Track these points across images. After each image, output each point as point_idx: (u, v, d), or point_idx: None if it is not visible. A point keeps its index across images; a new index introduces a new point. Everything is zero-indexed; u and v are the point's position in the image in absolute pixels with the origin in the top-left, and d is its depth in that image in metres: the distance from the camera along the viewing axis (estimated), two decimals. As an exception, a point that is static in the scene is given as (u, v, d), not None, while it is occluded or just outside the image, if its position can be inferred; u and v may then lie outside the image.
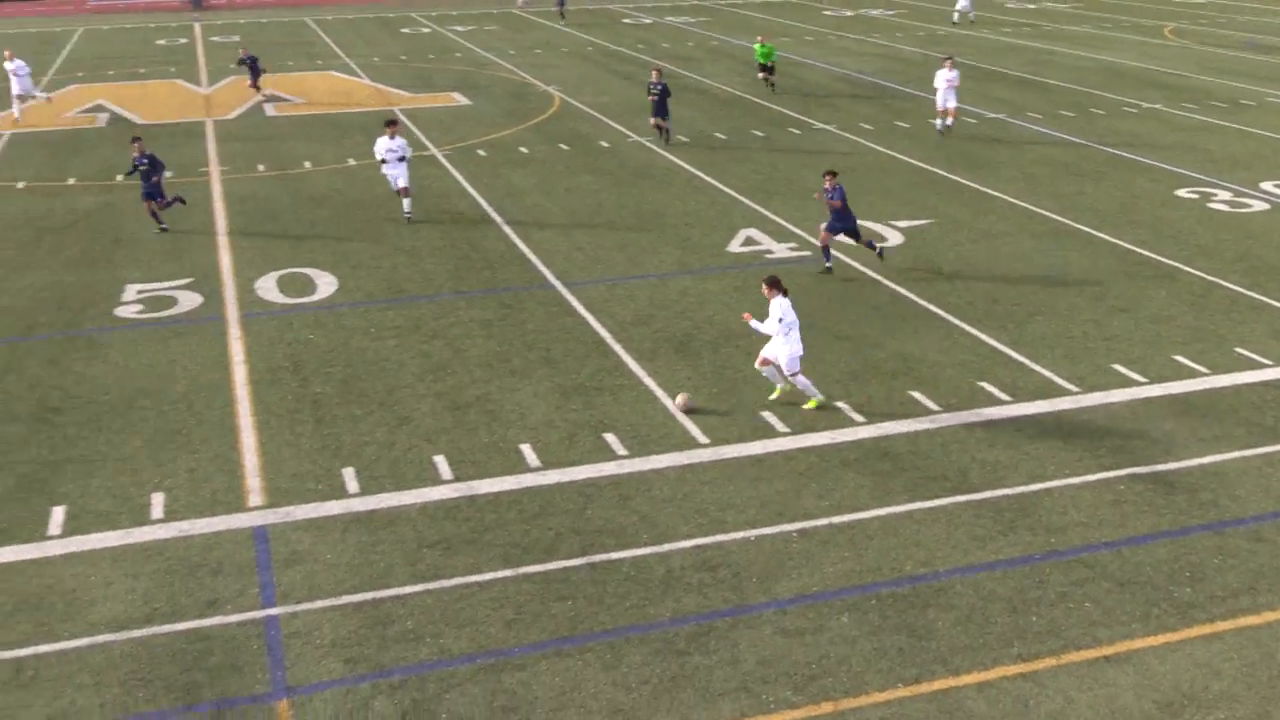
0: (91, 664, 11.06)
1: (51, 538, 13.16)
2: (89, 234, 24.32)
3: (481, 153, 30.97)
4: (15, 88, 35.92)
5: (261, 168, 29.61)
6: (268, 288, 20.87)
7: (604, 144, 31.72)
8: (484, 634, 11.36)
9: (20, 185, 28.40)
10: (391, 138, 24.27)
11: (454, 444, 15.08)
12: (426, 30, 58.17)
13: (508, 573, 12.34)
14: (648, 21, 60.11)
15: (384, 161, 24.48)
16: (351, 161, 30.29)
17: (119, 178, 26.66)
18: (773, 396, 16.18)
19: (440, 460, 14.68)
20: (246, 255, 22.29)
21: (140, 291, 20.79)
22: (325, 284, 21.01)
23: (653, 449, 14.86)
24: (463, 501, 13.74)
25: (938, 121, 32.05)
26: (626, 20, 60.70)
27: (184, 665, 11.04)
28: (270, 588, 12.17)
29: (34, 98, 37.03)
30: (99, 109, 38.24)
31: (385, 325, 19.07)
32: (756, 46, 39.14)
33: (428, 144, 32.03)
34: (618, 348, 17.97)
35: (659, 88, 30.69)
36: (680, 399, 15.97)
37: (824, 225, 21.04)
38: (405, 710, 10.39)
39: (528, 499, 13.75)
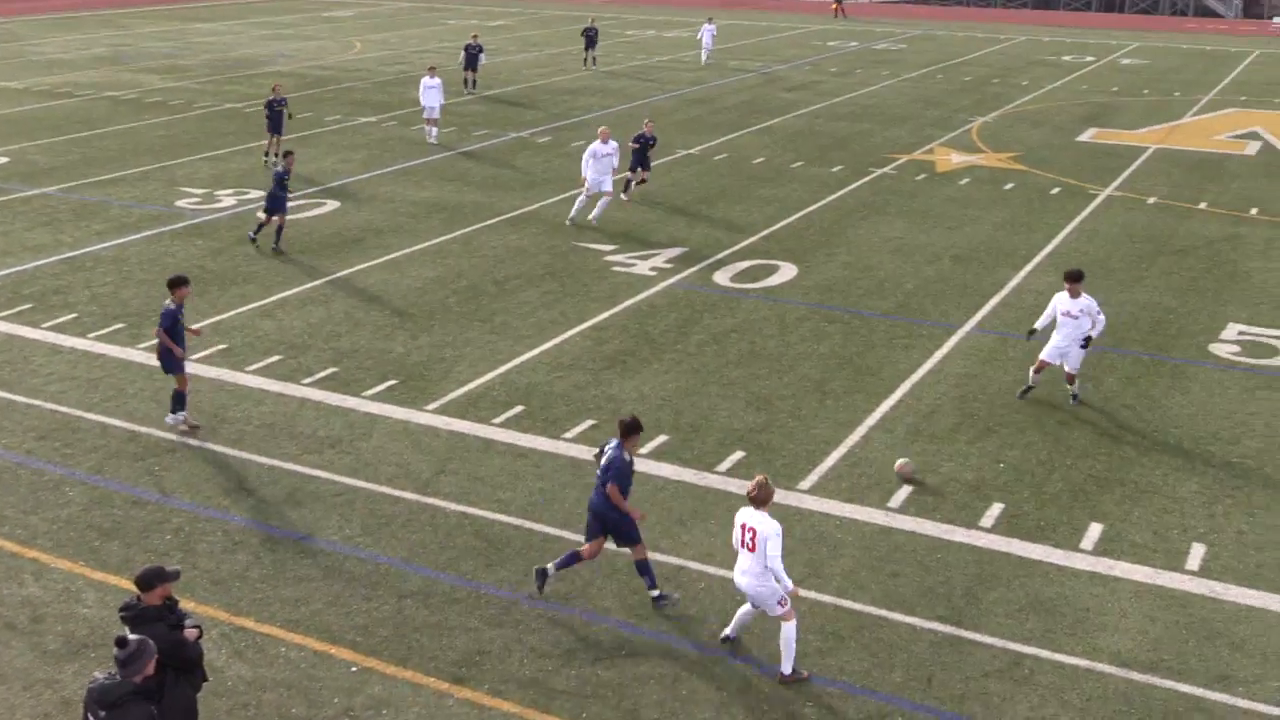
0: (1083, 687, 11.03)
1: (1082, 551, 13.34)
2: (1206, 263, 23.86)
3: None
4: None
5: None
6: (1380, 360, 18.71)
7: None
8: None
9: (1151, 201, 28.82)
10: None
11: None
12: None
13: None
14: None
15: None
16: None
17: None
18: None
19: None
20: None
21: (1241, 333, 19.93)
22: None
23: None
24: None
25: None
26: None
27: (1171, 729, 10.52)
28: (1292, 686, 11.03)
29: None
30: (1252, 136, 37.30)
31: None
32: None
33: None
34: None
35: None
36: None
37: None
38: None
39: None
